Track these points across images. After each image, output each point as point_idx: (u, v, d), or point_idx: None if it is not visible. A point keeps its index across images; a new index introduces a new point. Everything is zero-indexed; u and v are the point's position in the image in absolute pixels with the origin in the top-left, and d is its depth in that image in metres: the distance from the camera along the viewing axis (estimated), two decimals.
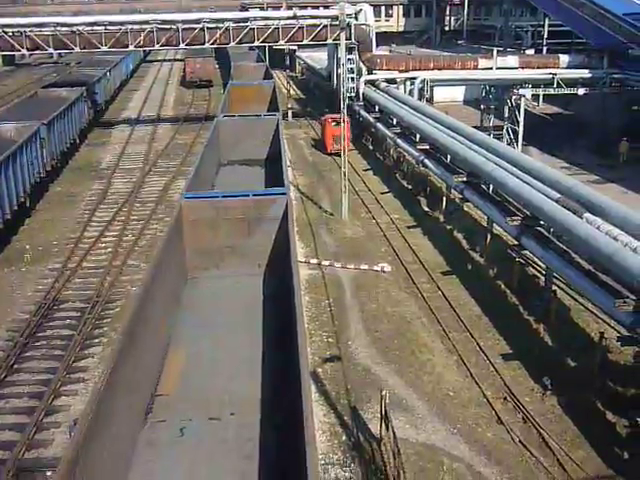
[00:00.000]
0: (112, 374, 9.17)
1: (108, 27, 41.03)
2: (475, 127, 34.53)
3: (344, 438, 16.18)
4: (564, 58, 42.89)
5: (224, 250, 16.11)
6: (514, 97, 40.08)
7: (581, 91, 41.00)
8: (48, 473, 14.86)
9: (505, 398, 18.33)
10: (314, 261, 26.11)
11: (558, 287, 22.57)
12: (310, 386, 9.39)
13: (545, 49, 53.05)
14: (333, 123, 39.59)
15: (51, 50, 42.69)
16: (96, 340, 20.68)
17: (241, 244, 16.07)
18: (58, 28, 40.63)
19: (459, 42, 68.53)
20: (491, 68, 42.85)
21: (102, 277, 24.67)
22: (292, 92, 58.50)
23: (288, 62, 56.06)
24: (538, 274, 24.20)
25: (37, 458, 15.64)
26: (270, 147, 26.77)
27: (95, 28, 41.03)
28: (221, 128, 27.12)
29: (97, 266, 26.02)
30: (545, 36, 53.96)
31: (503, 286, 24.02)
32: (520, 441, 16.62)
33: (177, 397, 11.31)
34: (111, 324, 21.47)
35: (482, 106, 44.10)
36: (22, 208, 30.06)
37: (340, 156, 32.35)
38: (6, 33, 40.11)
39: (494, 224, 25.31)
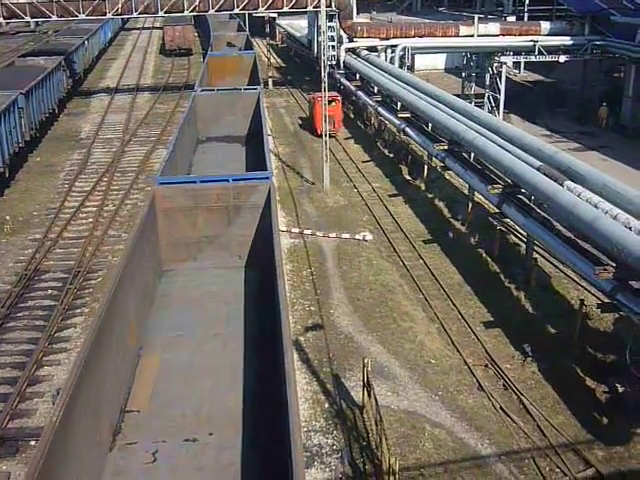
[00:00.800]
0: (76, 387, 8.18)
1: None
2: (456, 95, 34.45)
3: (326, 406, 16.31)
4: (545, 25, 42.67)
5: (202, 241, 15.01)
6: (495, 65, 39.99)
7: (562, 58, 40.88)
8: (32, 442, 14.89)
9: (486, 365, 18.56)
10: (296, 230, 26.09)
11: (539, 255, 22.75)
12: (299, 415, 8.09)
13: (526, 16, 52.64)
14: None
15: (28, 18, 41.75)
16: (78, 310, 20.62)
17: (220, 234, 14.98)
18: None
19: (440, 9, 67.95)
20: (472, 35, 42.54)
21: (83, 247, 24.53)
22: (272, 60, 57.94)
23: (268, 30, 55.23)
24: (519, 242, 24.36)
25: (21, 428, 15.65)
26: (251, 122, 25.54)
27: None
28: (199, 103, 26.04)
29: (78, 236, 25.85)
30: (526, 2, 53.50)
31: (484, 254, 24.17)
32: (501, 407, 16.86)
33: (149, 413, 10.23)
34: (93, 294, 21.40)
35: (463, 74, 44.01)
36: (1, 178, 29.73)
37: (331, 137, 31.95)
38: None
39: (475, 192, 25.37)
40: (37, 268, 23.09)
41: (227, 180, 15.27)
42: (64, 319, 20.06)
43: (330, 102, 34.41)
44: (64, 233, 26.09)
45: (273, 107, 45.50)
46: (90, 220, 27.22)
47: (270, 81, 51.44)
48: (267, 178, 15.47)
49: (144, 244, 13.18)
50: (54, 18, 41.02)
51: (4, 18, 41.09)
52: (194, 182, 15.47)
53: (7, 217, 27.35)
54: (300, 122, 42.42)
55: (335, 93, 37.82)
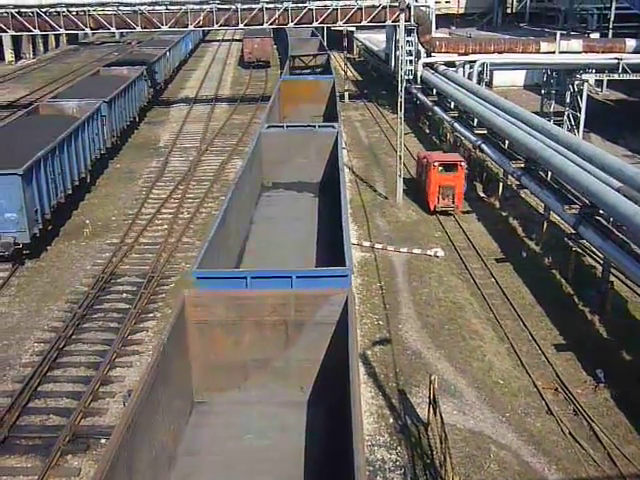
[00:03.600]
0: None
1: (169, 7, 41.39)
2: (535, 112, 33.91)
3: (391, 421, 16.23)
4: (630, 43, 41.68)
5: (249, 365, 11.62)
6: (576, 82, 39.17)
7: None
8: (102, 440, 15.30)
9: (556, 389, 18.13)
10: (367, 244, 26.10)
11: (616, 278, 22.13)
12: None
13: (611, 33, 51.57)
14: (440, 167, 28.57)
15: (113, 29, 43.28)
16: (150, 314, 21.12)
17: (275, 357, 11.59)
18: (120, 8, 41.17)
19: (521, 25, 67.15)
20: (554, 52, 41.94)
21: (158, 253, 25.12)
22: (349, 74, 58.27)
23: (346, 43, 55.60)
24: (595, 264, 23.76)
25: (92, 426, 16.10)
26: (326, 167, 22.08)
27: (156, 8, 41.44)
28: (265, 141, 22.51)
29: (153, 242, 26.50)
30: (611, 19, 52.42)
31: (558, 275, 23.68)
32: (570, 433, 16.43)
33: None
34: (165, 299, 21.88)
35: (543, 91, 43.26)
36: (83, 184, 30.75)
37: (448, 215, 28.46)
38: (70, 12, 40.82)
39: (551, 212, 24.89)
40: (113, 272, 23.76)
41: (289, 278, 11.77)
42: (137, 322, 20.57)
43: (450, 168, 28.56)
44: (140, 238, 26.77)
45: (349, 120, 45.68)
46: (165, 227, 27.87)
47: (346, 94, 51.71)
48: (345, 278, 11.88)
49: (171, 367, 10.32)
50: (138, 29, 42.40)
51: (91, 29, 42.68)
52: (241, 283, 11.85)
53: (87, 221, 28.26)
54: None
55: (457, 155, 30.41)
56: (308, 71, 42.04)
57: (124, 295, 22.30)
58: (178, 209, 29.78)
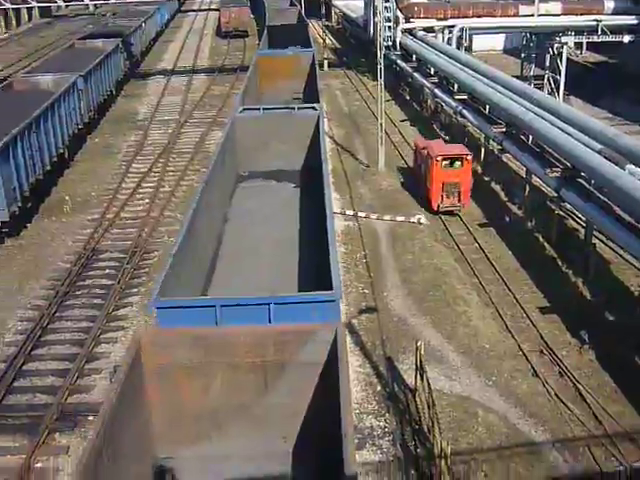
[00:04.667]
0: None
1: None
2: (515, 76, 33.79)
3: (379, 388, 16.30)
4: (609, 4, 41.43)
5: (222, 413, 9.80)
6: (556, 45, 39.01)
7: (626, 38, 39.69)
8: (90, 417, 15.25)
9: (542, 351, 18.26)
10: (350, 212, 26.02)
11: (598, 240, 22.23)
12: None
13: None
14: (444, 161, 25.39)
15: (87, 1, 42.56)
16: (134, 290, 20.99)
17: (253, 404, 9.81)
18: None
19: None
20: (532, 15, 41.63)
21: (140, 227, 24.92)
22: (328, 42, 57.71)
23: (324, 11, 54.97)
24: (578, 227, 23.85)
25: (79, 403, 16.05)
26: (307, 153, 20.22)
27: None
28: (239, 126, 20.45)
29: (135, 217, 26.27)
30: None
31: (542, 239, 23.75)
32: (556, 394, 16.58)
33: None
34: (149, 274, 21.75)
35: (522, 55, 43.09)
36: (61, 159, 30.36)
37: (453, 215, 25.60)
38: None
39: (533, 176, 24.89)
40: (95, 247, 23.56)
41: (266, 305, 10.17)
42: (121, 298, 20.44)
43: (454, 162, 25.52)
44: (121, 213, 26.53)
45: (329, 89, 45.31)
46: (147, 201, 27.62)
47: (326, 62, 51.25)
48: (333, 304, 10.24)
49: (125, 418, 8.61)
50: (112, 1, 41.65)
51: (64, 1, 41.92)
52: (211, 307, 10.24)
53: (66, 197, 27.95)
54: (355, 102, 42.08)
55: (462, 147, 26.68)
56: (286, 45, 39.90)
57: (107, 271, 22.13)
58: (159, 183, 29.51)
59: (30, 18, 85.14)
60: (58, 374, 16.98)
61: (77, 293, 20.83)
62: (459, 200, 25.41)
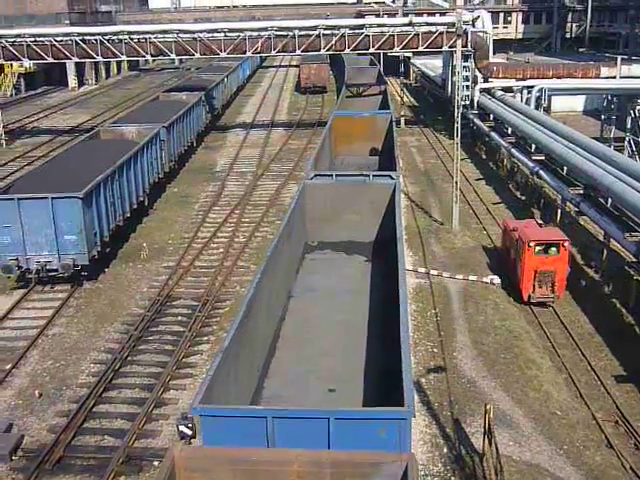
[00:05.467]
0: None
1: (227, 34, 42.27)
2: (595, 138, 33.36)
3: (445, 450, 15.94)
4: None
5: None
6: (638, 107, 38.43)
7: None
8: (155, 463, 15.38)
9: (616, 422, 17.58)
10: (422, 270, 25.89)
11: None
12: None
13: None
14: (537, 247, 22.68)
15: (173, 56, 44.41)
16: (205, 338, 21.26)
17: None
18: (180, 35, 42.24)
19: (580, 50, 66.34)
20: (614, 77, 41.25)
21: (213, 276, 25.34)
22: (406, 99, 58.34)
23: (402, 69, 55.72)
24: None
25: (146, 447, 16.22)
26: (381, 224, 19.02)
27: (215, 35, 42.39)
28: (310, 193, 19.49)
29: (209, 265, 26.76)
30: None
31: (619, 304, 23.06)
32: (631, 467, 15.89)
33: None
34: (220, 323, 22.02)
35: (603, 116, 42.54)
36: (141, 207, 31.33)
37: (545, 307, 23.14)
38: (132, 39, 42.06)
39: (611, 239, 24.33)
40: (169, 294, 24.05)
41: (325, 419, 9.09)
42: (191, 345, 20.73)
43: (549, 248, 22.75)
44: (196, 262, 27.07)
45: (405, 146, 45.65)
46: (221, 250, 28.13)
47: (402, 120, 51.74)
48: (404, 422, 8.93)
49: None
50: (197, 56, 43.35)
51: (151, 55, 43.83)
52: (262, 419, 9.24)
53: (144, 244, 28.73)
54: (432, 159, 42.19)
55: (558, 231, 24.03)
56: (363, 104, 39.82)
57: (179, 318, 22.53)
58: (234, 233, 30.06)
59: (119, 71, 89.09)
60: (127, 417, 17.24)
61: (149, 338, 21.23)
62: (553, 291, 22.71)
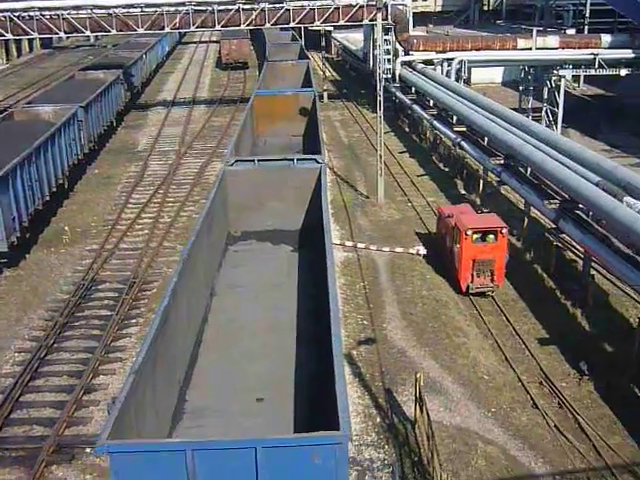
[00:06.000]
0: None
1: (144, 9, 41.14)
2: (513, 109, 34.10)
3: (378, 420, 16.20)
4: (606, 38, 41.95)
5: None
6: (554, 78, 39.44)
7: (623, 72, 40.13)
8: (87, 450, 15.14)
9: (541, 382, 18.24)
10: (349, 244, 26.07)
11: (596, 272, 22.27)
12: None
13: (587, 29, 51.94)
14: (475, 235, 21.93)
15: (88, 33, 42.96)
16: (133, 320, 20.96)
17: None
18: (95, 11, 40.89)
19: (498, 22, 67.37)
20: (530, 48, 42.10)
21: (139, 258, 24.94)
22: (328, 73, 58.28)
23: (324, 43, 55.53)
24: (576, 258, 23.90)
25: (77, 435, 15.93)
26: (307, 211, 18.07)
27: (131, 10, 41.19)
28: (231, 180, 18.28)
29: (134, 247, 26.31)
30: (587, 15, 52.81)
31: (540, 270, 23.77)
32: (555, 426, 16.53)
33: None
34: (147, 305, 21.73)
35: (521, 87, 43.51)
36: (61, 190, 30.48)
37: (484, 295, 22.45)
38: (44, 16, 40.48)
39: (531, 207, 25.01)
40: (94, 278, 23.57)
41: (251, 448, 8.34)
42: (120, 329, 20.40)
43: (486, 235, 22.01)
44: (120, 244, 26.57)
45: (328, 120, 45.68)
46: (146, 232, 27.68)
47: (325, 94, 51.70)
48: (339, 447, 8.27)
49: None
50: (113, 32, 42.10)
51: (65, 33, 42.33)
52: (180, 452, 8.38)
53: (66, 228, 28.00)
54: (356, 134, 42.36)
55: (496, 218, 23.08)
56: (285, 82, 39.00)
57: (106, 302, 22.11)
58: (158, 213, 29.59)
59: (31, 49, 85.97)
60: (55, 406, 16.88)
61: (76, 324, 20.78)
62: (492, 280, 22.06)
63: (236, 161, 19.11)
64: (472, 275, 22.05)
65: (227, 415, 10.68)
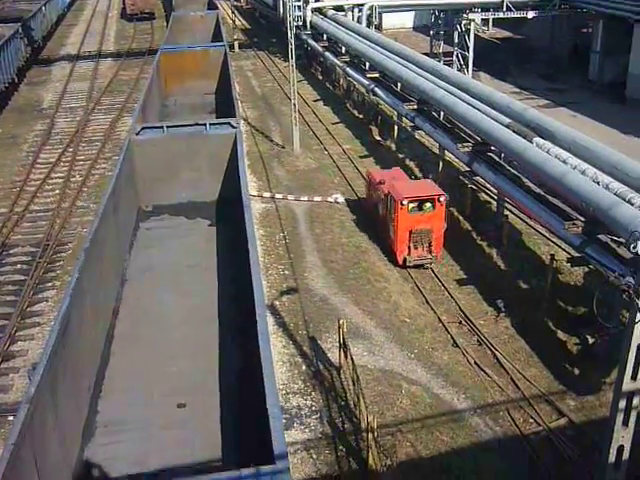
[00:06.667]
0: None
1: None
2: (425, 54, 34.24)
3: (304, 368, 16.38)
4: None
5: None
6: (464, 22, 39.69)
7: (530, 14, 40.70)
8: (10, 417, 14.80)
9: (460, 322, 18.77)
10: (267, 195, 25.94)
11: (510, 212, 22.88)
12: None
13: None
14: (411, 204, 20.81)
15: None
16: (49, 284, 20.39)
17: None
18: None
19: None
20: None
21: (51, 220, 24.18)
22: (238, 22, 57.11)
23: None
24: (490, 200, 24.47)
25: None
26: (223, 180, 16.49)
27: None
28: (139, 150, 16.41)
29: (45, 209, 25.46)
30: None
31: (456, 212, 24.25)
32: (475, 362, 17.10)
33: None
34: (63, 267, 21.16)
35: (431, 32, 43.68)
36: None
37: (424, 269, 21.36)
38: None
39: (446, 151, 25.35)
40: (5, 242, 22.74)
41: None
42: (35, 293, 19.84)
43: (423, 204, 20.89)
44: (31, 206, 25.66)
45: (240, 70, 44.93)
46: (57, 192, 26.80)
47: (236, 44, 50.74)
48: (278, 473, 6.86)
49: None
50: None
51: None
52: None
53: None
54: (270, 84, 41.83)
55: (432, 184, 21.97)
56: (194, 36, 36.74)
57: (19, 266, 21.41)
58: (69, 172, 28.65)
59: None
60: None
61: None
62: (430, 251, 21.03)
63: (143, 128, 17.05)
64: (409, 247, 20.95)
65: (146, 427, 9.49)
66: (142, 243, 14.84)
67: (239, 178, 14.50)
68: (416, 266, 21.22)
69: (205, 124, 17.34)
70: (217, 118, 20.55)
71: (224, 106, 22.51)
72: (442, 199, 20.69)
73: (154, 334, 11.59)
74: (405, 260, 21.01)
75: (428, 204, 20.66)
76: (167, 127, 17.17)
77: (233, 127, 17.16)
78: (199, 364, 10.79)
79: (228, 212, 15.18)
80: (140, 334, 11.63)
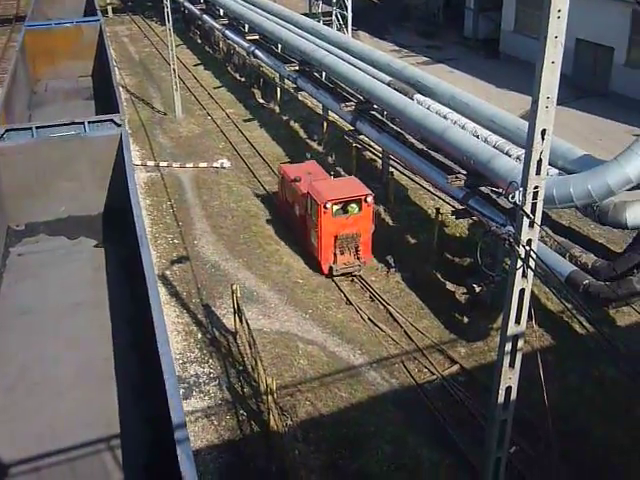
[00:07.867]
0: None
1: None
2: (304, 14, 34.04)
3: (199, 336, 16.25)
4: None
5: None
6: None
7: None
8: None
9: (352, 280, 19.03)
10: (151, 163, 25.31)
11: (395, 169, 23.25)
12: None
13: None
14: (335, 207, 18.75)
15: None
16: None
17: None
18: None
19: None
20: None
21: None
22: None
23: None
24: (375, 158, 24.80)
25: None
26: (109, 190, 13.67)
27: None
28: (3, 159, 13.17)
29: None
30: None
31: (343, 172, 24.46)
32: (369, 318, 17.44)
33: None
34: None
35: None
36: None
37: (351, 276, 19.30)
38: None
39: (329, 111, 25.44)
40: None
41: None
42: None
43: (348, 205, 18.92)
44: None
45: (116, 36, 43.35)
46: None
47: (109, 8, 48.87)
48: None
49: None
50: None
51: None
52: None
53: None
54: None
55: (357, 182, 19.80)
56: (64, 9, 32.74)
57: None
58: None
59: None
60: None
61: None
62: (358, 256, 19.07)
63: (6, 131, 14.10)
64: (335, 254, 18.90)
65: None
66: (14, 275, 11.91)
67: (127, 186, 12.16)
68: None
69: (83, 122, 14.76)
70: (96, 106, 18.61)
71: (103, 92, 20.05)
72: (369, 199, 18.80)
73: (34, 409, 8.77)
74: (331, 269, 18.97)
75: (354, 205, 18.84)
76: (36, 128, 14.55)
77: (117, 125, 14.66)
78: (96, 450, 8.06)
79: (117, 226, 12.70)
80: (14, 411, 8.78)
